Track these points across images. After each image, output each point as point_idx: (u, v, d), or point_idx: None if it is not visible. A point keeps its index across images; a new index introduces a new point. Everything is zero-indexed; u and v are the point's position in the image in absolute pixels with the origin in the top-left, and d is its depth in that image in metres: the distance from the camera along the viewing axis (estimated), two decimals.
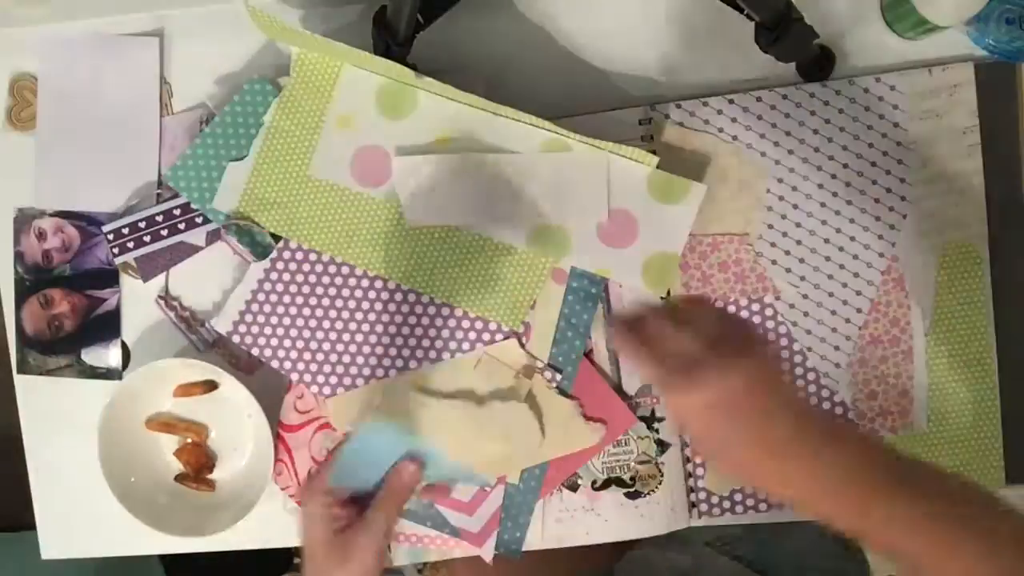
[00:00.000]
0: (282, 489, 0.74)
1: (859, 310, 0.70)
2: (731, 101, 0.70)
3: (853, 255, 0.70)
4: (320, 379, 0.72)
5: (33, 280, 0.76)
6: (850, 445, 0.49)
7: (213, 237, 0.73)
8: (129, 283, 0.75)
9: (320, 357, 0.72)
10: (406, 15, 0.62)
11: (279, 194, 0.70)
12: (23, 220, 0.75)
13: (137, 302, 0.75)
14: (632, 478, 0.71)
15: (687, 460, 0.72)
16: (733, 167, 0.70)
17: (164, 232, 0.73)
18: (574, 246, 0.69)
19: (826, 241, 0.70)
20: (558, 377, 0.70)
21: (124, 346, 0.76)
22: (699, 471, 0.72)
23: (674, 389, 0.49)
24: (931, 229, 0.70)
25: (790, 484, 0.49)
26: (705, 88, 0.71)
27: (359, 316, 0.71)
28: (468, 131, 0.69)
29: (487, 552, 0.72)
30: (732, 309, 0.71)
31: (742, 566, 0.77)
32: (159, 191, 0.74)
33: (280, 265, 0.71)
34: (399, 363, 0.72)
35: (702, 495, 0.72)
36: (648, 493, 0.71)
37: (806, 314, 0.70)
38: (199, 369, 0.72)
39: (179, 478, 0.75)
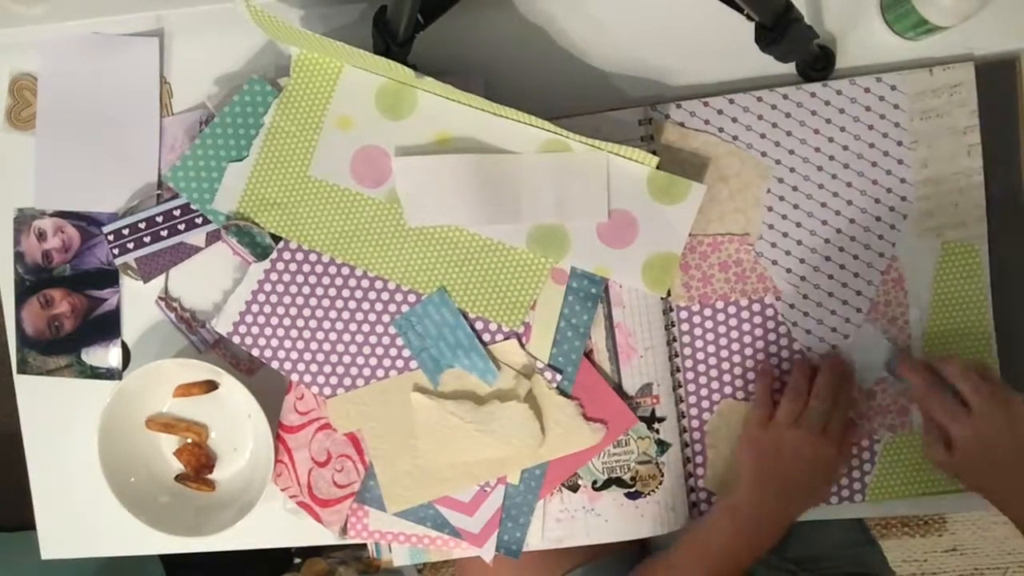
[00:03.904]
0: (282, 490, 0.74)
1: (859, 310, 0.70)
2: (732, 101, 0.70)
3: (853, 255, 0.70)
4: (320, 379, 0.72)
5: (33, 280, 0.76)
6: None
7: (213, 238, 0.73)
8: (129, 284, 0.75)
9: (320, 357, 0.72)
10: (406, 15, 0.62)
11: (279, 194, 0.70)
12: (23, 220, 0.75)
13: (137, 302, 0.75)
14: (632, 478, 0.71)
15: (687, 460, 0.72)
16: (733, 167, 0.70)
17: (164, 233, 0.73)
18: (574, 246, 0.69)
19: (826, 241, 0.70)
20: (558, 377, 0.70)
21: (124, 346, 0.76)
22: (699, 471, 0.72)
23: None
24: (931, 229, 0.70)
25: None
26: (705, 88, 0.71)
27: (359, 316, 0.71)
28: (468, 131, 0.69)
29: (487, 552, 0.72)
30: (732, 309, 0.71)
31: (777, 557, 0.82)
32: (159, 192, 0.74)
33: (280, 266, 0.71)
34: (399, 363, 0.72)
35: (702, 495, 0.72)
36: (648, 493, 0.71)
37: (806, 314, 0.70)
38: (199, 369, 0.72)
39: (179, 478, 0.75)
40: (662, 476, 0.71)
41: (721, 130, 0.70)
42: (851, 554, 0.84)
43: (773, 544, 0.66)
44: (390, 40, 0.65)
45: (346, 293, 0.71)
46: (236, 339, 0.72)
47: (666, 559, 0.69)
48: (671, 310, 0.71)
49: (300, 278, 0.71)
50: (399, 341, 0.71)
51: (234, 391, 0.72)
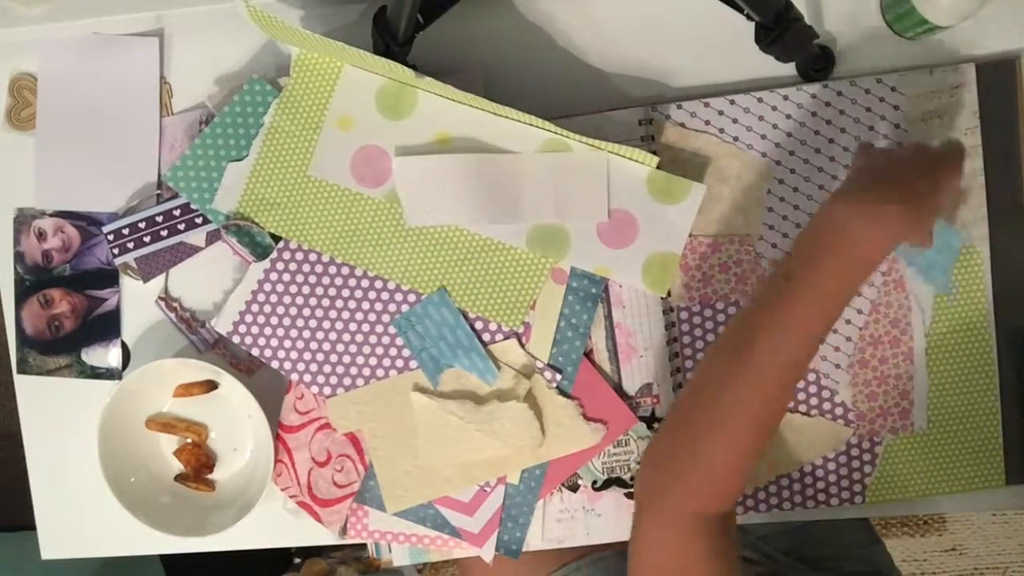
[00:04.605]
0: (282, 490, 0.74)
1: (859, 311, 0.70)
2: (732, 102, 0.70)
3: None
4: (320, 379, 0.72)
5: (33, 280, 0.76)
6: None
7: (213, 237, 0.73)
8: (129, 283, 0.75)
9: (320, 357, 0.72)
10: (406, 15, 0.62)
11: (279, 194, 0.70)
12: (23, 220, 0.75)
13: (137, 302, 0.75)
14: (632, 478, 0.71)
15: None
16: (734, 168, 0.70)
17: (164, 233, 0.73)
18: (574, 246, 0.69)
19: None
20: (558, 377, 0.70)
21: (124, 346, 0.76)
22: None
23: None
24: None
25: None
26: (705, 89, 0.71)
27: (359, 316, 0.71)
28: (468, 131, 0.69)
29: (487, 552, 0.72)
30: (733, 310, 0.71)
31: (781, 556, 0.81)
32: (159, 191, 0.74)
33: (280, 265, 0.71)
34: (399, 363, 0.72)
35: None
36: None
37: None
38: (199, 369, 0.72)
39: (179, 478, 0.75)
40: None
41: (722, 131, 0.70)
42: (859, 554, 0.84)
43: (910, 226, 0.54)
44: (390, 40, 0.65)
45: (346, 293, 0.71)
46: (236, 339, 0.72)
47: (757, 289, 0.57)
48: (671, 310, 0.71)
49: (300, 278, 0.71)
50: (399, 341, 0.71)
51: (234, 391, 0.72)
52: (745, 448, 0.54)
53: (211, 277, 0.74)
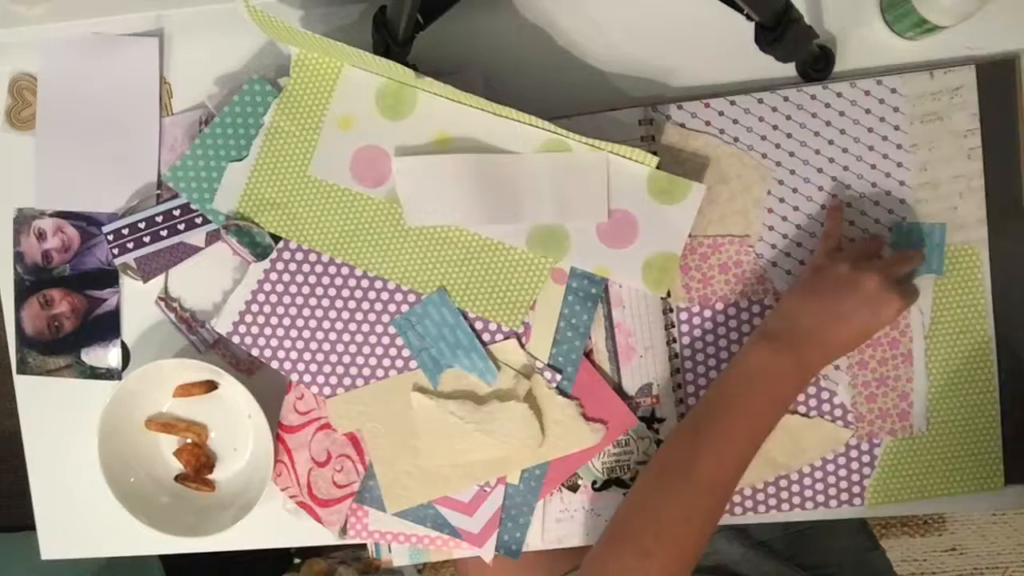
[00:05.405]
0: (282, 490, 0.74)
1: None
2: (732, 103, 0.70)
3: None
4: (320, 379, 0.72)
5: (33, 280, 0.76)
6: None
7: (213, 238, 0.73)
8: (129, 283, 0.75)
9: (320, 357, 0.72)
10: (406, 15, 0.62)
11: (279, 194, 0.70)
12: (23, 220, 0.75)
13: (137, 302, 0.75)
14: (632, 478, 0.71)
15: None
16: (734, 168, 0.70)
17: (164, 233, 0.73)
18: (574, 246, 0.69)
19: None
20: (558, 377, 0.70)
21: (124, 346, 0.76)
22: None
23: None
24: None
25: None
26: (705, 89, 0.71)
27: (359, 316, 0.71)
28: (468, 131, 0.69)
29: (487, 552, 0.72)
30: (732, 311, 0.71)
31: (780, 561, 0.83)
32: (159, 191, 0.74)
33: (280, 265, 0.71)
34: (399, 363, 0.72)
35: None
36: None
37: None
38: (199, 369, 0.72)
39: (179, 478, 0.75)
40: None
41: (722, 132, 0.70)
42: (858, 559, 0.84)
43: (816, 366, 0.62)
44: (390, 40, 0.65)
45: (346, 293, 0.71)
46: (236, 339, 0.72)
47: (695, 412, 0.64)
48: (671, 310, 0.71)
49: (300, 278, 0.71)
50: (399, 341, 0.71)
51: (234, 391, 0.72)
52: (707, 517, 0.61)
53: (211, 277, 0.74)
